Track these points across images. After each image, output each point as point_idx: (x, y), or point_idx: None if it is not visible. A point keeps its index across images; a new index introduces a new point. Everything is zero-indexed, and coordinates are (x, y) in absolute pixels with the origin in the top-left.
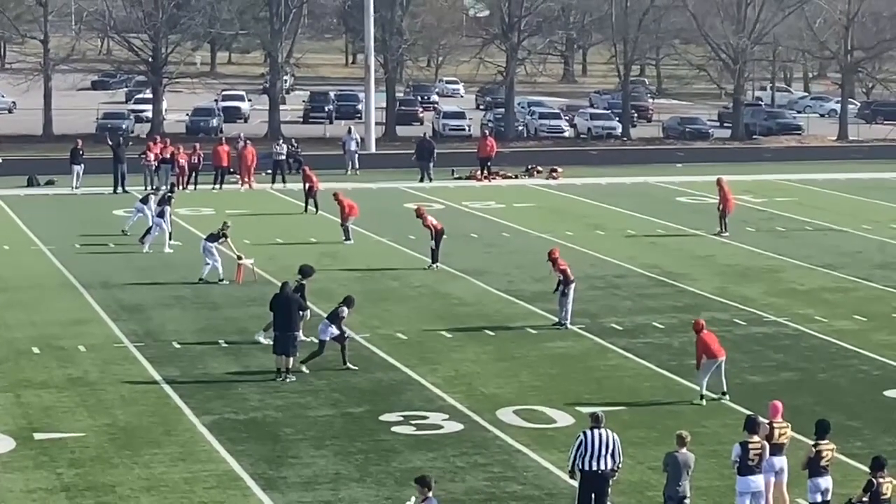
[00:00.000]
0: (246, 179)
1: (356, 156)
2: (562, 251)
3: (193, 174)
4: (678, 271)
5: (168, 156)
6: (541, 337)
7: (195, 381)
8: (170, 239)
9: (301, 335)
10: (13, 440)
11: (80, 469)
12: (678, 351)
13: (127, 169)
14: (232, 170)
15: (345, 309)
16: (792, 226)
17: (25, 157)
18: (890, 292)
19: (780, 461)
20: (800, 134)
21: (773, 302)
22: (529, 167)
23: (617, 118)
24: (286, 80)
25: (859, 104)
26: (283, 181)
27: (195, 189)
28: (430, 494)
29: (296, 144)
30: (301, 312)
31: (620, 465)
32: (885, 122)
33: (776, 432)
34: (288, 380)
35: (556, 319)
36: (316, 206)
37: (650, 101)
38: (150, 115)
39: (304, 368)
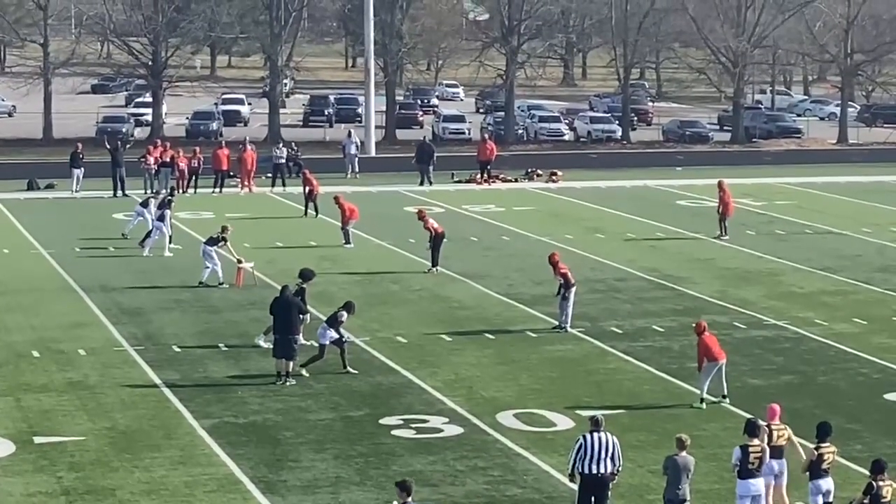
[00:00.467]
0: (246, 183)
1: (356, 159)
2: (562, 255)
3: (193, 178)
4: (678, 275)
5: (168, 159)
6: (541, 340)
7: (195, 385)
8: (170, 242)
9: (301, 339)
10: (13, 444)
11: (79, 473)
12: (678, 354)
13: (126, 172)
14: (232, 173)
15: (344, 314)
16: (792, 229)
17: (25, 161)
18: (890, 295)
19: (780, 464)
20: (800, 137)
21: (773, 305)
22: (529, 170)
23: (617, 121)
24: (286, 84)
25: (859, 107)
26: (283, 185)
27: (195, 193)
28: (411, 499)
29: (296, 148)
30: (301, 316)
31: (620, 469)
32: (885, 126)
33: (774, 434)
34: (288, 383)
35: (556, 323)
36: (316, 210)
37: (650, 104)
38: (150, 118)
39: (304, 372)
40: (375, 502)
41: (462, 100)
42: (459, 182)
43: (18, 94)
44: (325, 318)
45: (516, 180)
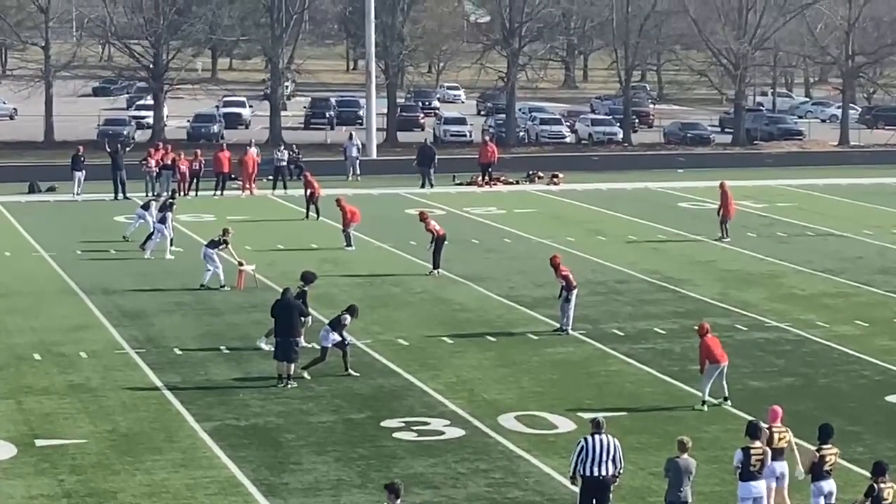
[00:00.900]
0: (247, 186)
1: (357, 162)
2: (563, 257)
3: (195, 180)
4: (679, 277)
5: (169, 162)
6: (542, 342)
7: (196, 388)
8: (171, 245)
9: (302, 341)
10: (14, 447)
11: (81, 476)
12: (679, 356)
13: (126, 175)
14: (233, 176)
15: (347, 317)
16: (793, 231)
17: (26, 164)
18: (891, 297)
19: (781, 466)
20: (801, 139)
21: (774, 307)
22: (530, 173)
23: (618, 124)
24: (287, 86)
25: (860, 109)
26: (285, 187)
27: (196, 195)
28: (399, 502)
29: (297, 150)
30: (302, 318)
31: (622, 471)
32: (886, 128)
33: (775, 437)
34: (289, 386)
35: (558, 325)
36: (317, 212)
37: (651, 106)
38: (151, 121)
39: (305, 374)
40: None
41: (463, 102)
42: (461, 184)
43: (20, 96)
44: (327, 321)
45: (517, 182)
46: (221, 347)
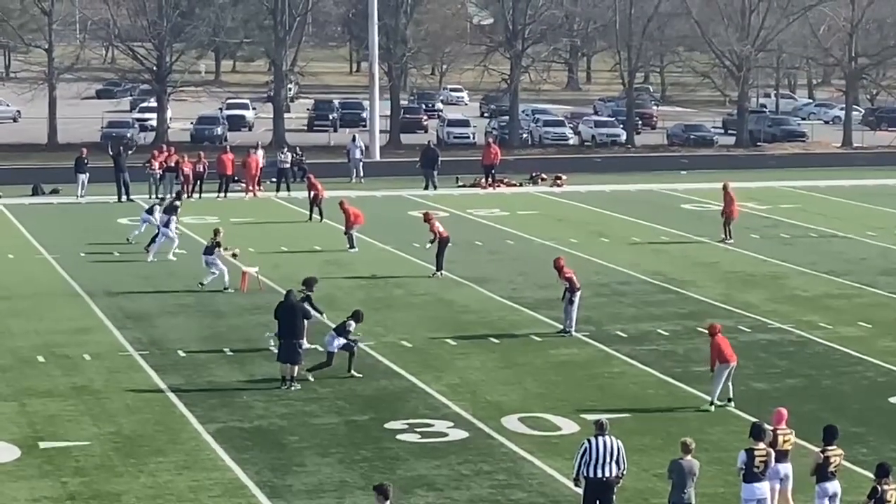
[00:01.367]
0: (250, 188)
1: (360, 164)
2: (566, 258)
3: (198, 183)
4: (682, 278)
5: (173, 164)
6: (545, 344)
7: (200, 390)
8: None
9: (306, 343)
10: (18, 449)
11: (85, 478)
12: (682, 358)
13: (129, 177)
14: (236, 178)
15: (352, 323)
16: (796, 232)
17: (30, 166)
18: (894, 299)
19: (785, 468)
20: (804, 141)
21: (778, 309)
22: (534, 175)
23: (621, 125)
24: (290, 89)
25: (863, 111)
26: (288, 189)
27: (200, 197)
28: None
29: (300, 153)
30: (306, 321)
31: (625, 473)
32: (890, 129)
33: (780, 439)
34: (293, 388)
35: (561, 327)
36: (321, 214)
37: (654, 108)
38: (154, 123)
39: (310, 377)
40: None
41: (466, 104)
42: (464, 186)
43: (23, 99)
44: (333, 325)
45: (521, 184)
46: (225, 349)
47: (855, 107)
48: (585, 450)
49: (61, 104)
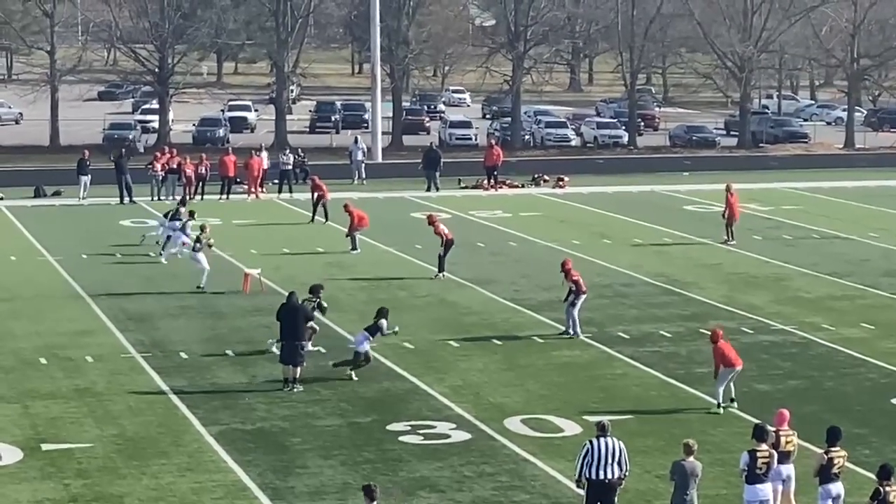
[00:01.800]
0: (252, 189)
1: (363, 165)
2: (573, 261)
3: (200, 184)
4: (685, 280)
5: (175, 166)
6: (548, 346)
7: (202, 392)
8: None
9: (308, 345)
10: (20, 451)
11: (87, 480)
12: (685, 359)
13: (131, 179)
14: (238, 180)
15: (384, 321)
16: (798, 234)
17: (32, 168)
18: None
19: (788, 469)
20: (806, 142)
21: (780, 310)
22: (536, 176)
23: (623, 127)
24: (292, 90)
25: (866, 112)
26: (290, 191)
27: (202, 199)
28: None
29: (302, 154)
30: (308, 322)
31: (627, 474)
32: (892, 130)
33: (782, 440)
34: (295, 390)
35: (563, 328)
36: (326, 216)
37: (656, 109)
38: (156, 125)
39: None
40: None
41: (468, 105)
42: (466, 188)
43: (25, 101)
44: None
45: (523, 186)
46: (227, 351)
47: (857, 108)
48: (588, 451)
49: (63, 106)
